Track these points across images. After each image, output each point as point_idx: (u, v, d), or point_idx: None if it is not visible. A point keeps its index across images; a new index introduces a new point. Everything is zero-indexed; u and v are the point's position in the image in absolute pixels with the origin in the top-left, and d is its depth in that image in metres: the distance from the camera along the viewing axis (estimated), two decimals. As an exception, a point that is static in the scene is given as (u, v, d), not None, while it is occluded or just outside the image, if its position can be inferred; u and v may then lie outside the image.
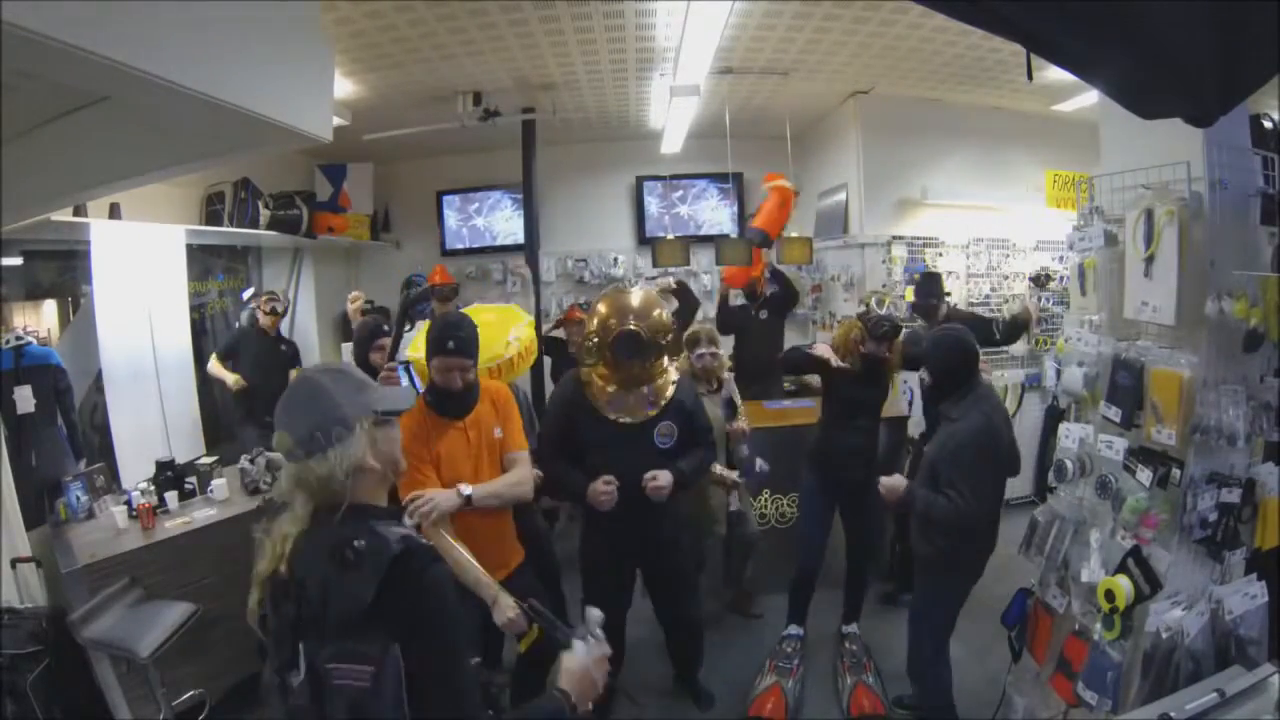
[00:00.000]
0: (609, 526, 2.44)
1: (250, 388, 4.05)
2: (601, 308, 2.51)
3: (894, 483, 2.41)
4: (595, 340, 2.44)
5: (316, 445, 1.11)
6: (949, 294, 4.01)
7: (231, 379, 4.06)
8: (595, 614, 1.18)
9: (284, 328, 5.10)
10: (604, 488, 2.35)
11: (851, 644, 3.05)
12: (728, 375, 3.18)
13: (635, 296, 2.54)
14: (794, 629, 3.11)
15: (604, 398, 2.47)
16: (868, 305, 4.10)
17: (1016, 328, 3.93)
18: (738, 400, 3.15)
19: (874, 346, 2.83)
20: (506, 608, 1.97)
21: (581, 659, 1.33)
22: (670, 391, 2.50)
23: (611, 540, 2.50)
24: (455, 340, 2.13)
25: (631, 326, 2.40)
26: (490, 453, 2.24)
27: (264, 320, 4.25)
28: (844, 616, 3.16)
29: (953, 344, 2.39)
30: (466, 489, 2.10)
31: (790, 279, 4.78)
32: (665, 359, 2.51)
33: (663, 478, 2.37)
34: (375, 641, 1.03)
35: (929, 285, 3.76)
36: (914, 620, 2.51)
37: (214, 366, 4.10)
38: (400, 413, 1.24)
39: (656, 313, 2.48)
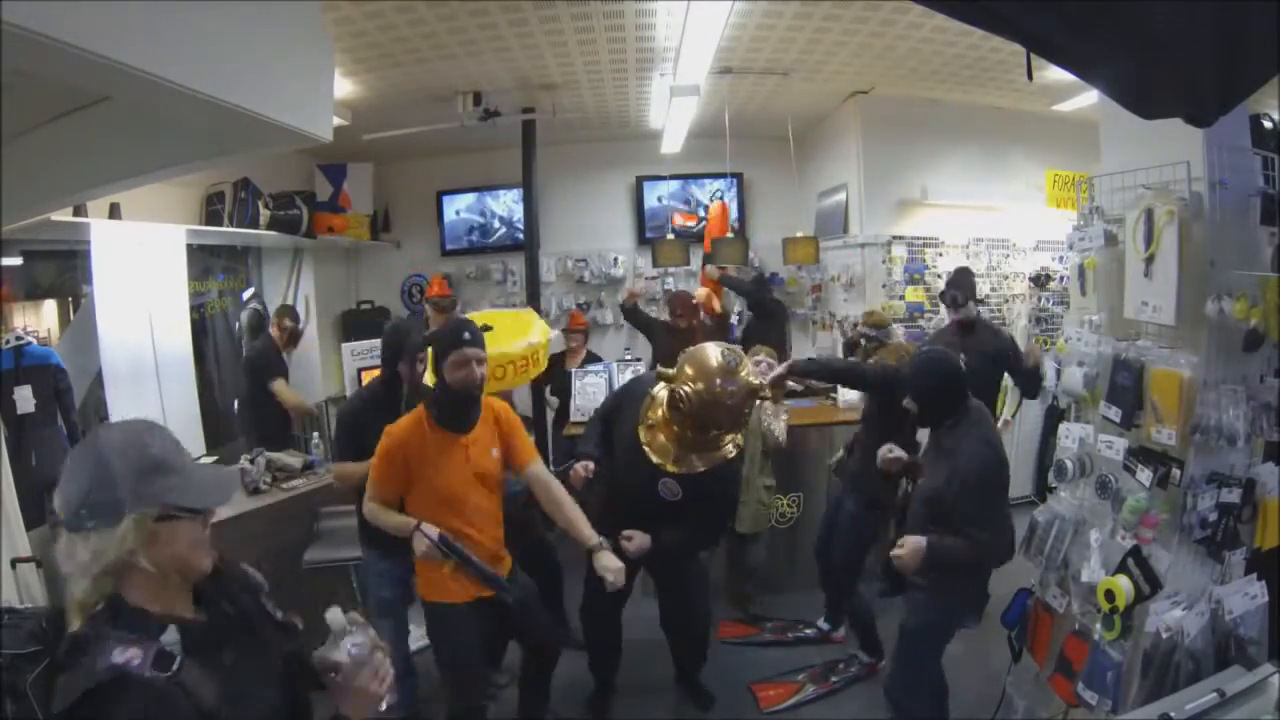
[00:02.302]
0: (619, 519, 2.44)
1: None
2: (689, 369, 2.33)
3: (915, 545, 2.12)
4: (682, 406, 2.30)
5: (78, 524, 0.94)
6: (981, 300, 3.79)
7: (294, 401, 4.07)
8: (334, 617, 1.12)
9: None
10: (582, 473, 2.39)
11: (843, 663, 3.07)
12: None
13: (733, 360, 2.34)
14: (863, 655, 3.07)
15: (652, 431, 2.43)
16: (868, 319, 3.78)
17: (1034, 378, 3.39)
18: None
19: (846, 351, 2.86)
20: (420, 540, 2.04)
21: (346, 674, 1.12)
22: (701, 468, 2.40)
23: (616, 544, 2.49)
24: (470, 331, 2.13)
25: (719, 396, 2.25)
26: (483, 479, 2.18)
27: (278, 338, 4.16)
28: (860, 647, 3.12)
29: (935, 366, 2.27)
30: (433, 532, 2.07)
31: (778, 300, 4.90)
32: (733, 434, 2.41)
33: (638, 540, 2.38)
34: None
35: (963, 280, 3.49)
36: (908, 638, 2.34)
37: (281, 387, 4.05)
38: (203, 511, 1.04)
39: (745, 372, 2.33)
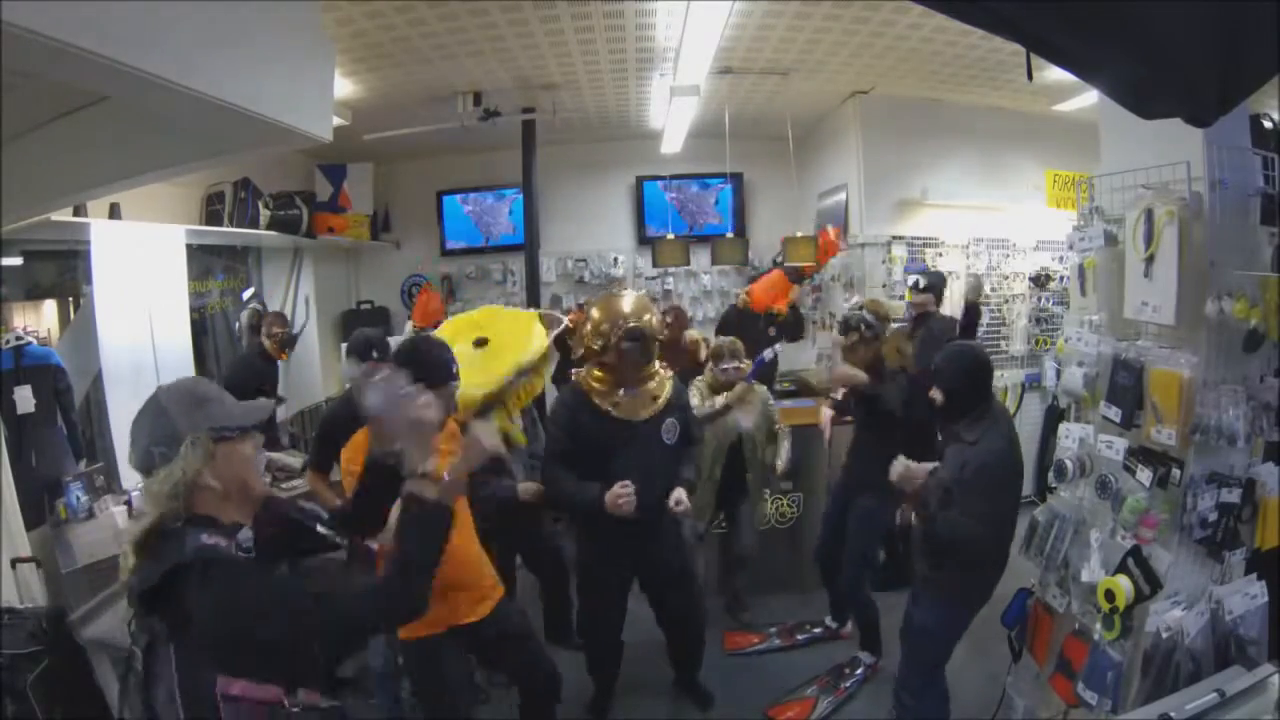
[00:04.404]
0: (614, 528, 2.39)
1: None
2: (596, 312, 2.56)
3: (913, 469, 2.18)
4: (600, 343, 2.47)
5: (149, 462, 1.12)
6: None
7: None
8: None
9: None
10: (623, 491, 2.29)
11: (847, 667, 3.04)
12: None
13: (629, 300, 2.59)
14: (865, 655, 3.06)
15: (609, 399, 2.49)
16: (858, 304, 3.95)
17: (972, 313, 3.78)
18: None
19: (844, 333, 2.89)
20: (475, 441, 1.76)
21: (387, 411, 1.26)
22: (668, 388, 2.57)
23: (613, 543, 2.49)
24: (451, 366, 1.99)
25: (637, 324, 2.46)
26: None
27: (270, 348, 3.98)
28: (861, 646, 3.12)
29: (968, 360, 2.27)
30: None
31: (802, 316, 4.87)
32: (658, 361, 2.59)
33: (684, 499, 2.46)
34: (149, 627, 1.12)
35: (930, 273, 3.76)
36: (911, 638, 2.39)
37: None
38: (245, 429, 1.21)
39: (648, 316, 2.53)
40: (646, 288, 5.69)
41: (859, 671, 3.00)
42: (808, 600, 3.52)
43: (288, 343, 4.11)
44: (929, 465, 2.23)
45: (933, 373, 2.33)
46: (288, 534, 1.28)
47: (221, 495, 1.16)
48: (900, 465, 2.21)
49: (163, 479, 1.11)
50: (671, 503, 2.43)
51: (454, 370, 1.99)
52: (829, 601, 3.32)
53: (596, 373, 2.53)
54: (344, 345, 4.13)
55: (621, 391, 2.49)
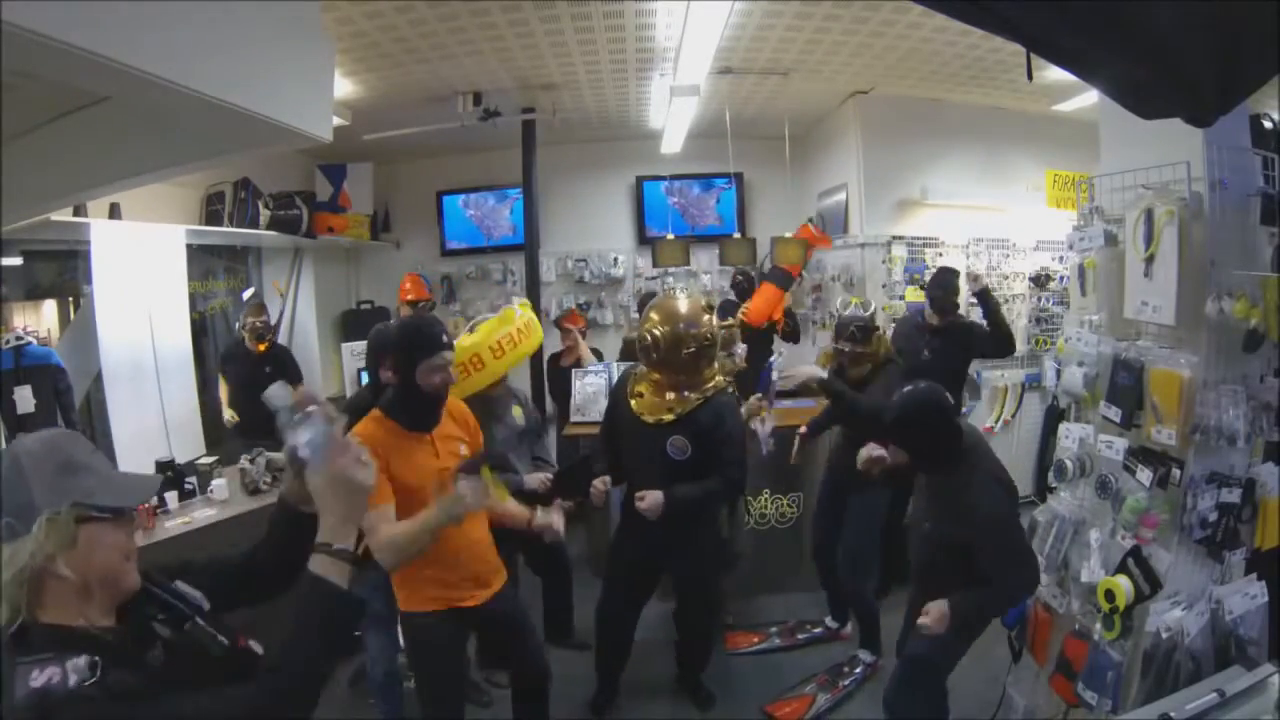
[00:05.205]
0: (643, 523, 2.45)
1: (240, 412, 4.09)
2: (654, 315, 2.53)
3: (939, 611, 1.95)
4: (654, 353, 2.47)
5: None
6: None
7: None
8: (274, 392, 0.98)
9: (285, 329, 5.12)
10: (601, 488, 2.51)
11: (848, 666, 3.04)
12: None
13: (684, 303, 2.56)
14: (865, 654, 3.06)
15: (639, 396, 2.56)
16: (844, 302, 3.84)
17: (999, 332, 3.54)
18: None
19: (846, 346, 2.86)
20: (464, 484, 1.80)
21: (312, 460, 1.00)
22: (695, 402, 2.47)
23: (643, 537, 2.54)
24: (445, 334, 2.01)
25: (682, 330, 2.45)
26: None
27: (248, 342, 4.10)
28: (861, 645, 3.10)
29: (923, 412, 2.02)
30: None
31: (798, 322, 4.87)
32: (710, 366, 2.55)
33: (650, 499, 2.36)
34: None
35: (943, 279, 3.60)
36: (915, 664, 2.21)
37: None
38: (125, 509, 0.98)
39: (706, 318, 2.51)
40: (646, 287, 5.69)
41: (858, 670, 3.00)
42: (809, 600, 3.51)
43: (264, 332, 4.11)
44: (945, 607, 1.97)
45: (886, 430, 2.11)
46: (173, 632, 1.01)
47: (77, 589, 0.92)
48: (925, 623, 1.97)
49: (5, 560, 0.87)
50: (637, 495, 2.40)
51: (445, 340, 1.99)
52: (829, 601, 3.32)
53: (653, 374, 2.56)
54: (363, 342, 4.17)
55: (652, 391, 2.54)
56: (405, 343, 1.98)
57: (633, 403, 2.56)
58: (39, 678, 0.84)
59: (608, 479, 2.54)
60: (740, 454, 2.51)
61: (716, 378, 2.57)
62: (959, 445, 2.04)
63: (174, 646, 0.99)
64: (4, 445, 2.65)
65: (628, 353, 4.26)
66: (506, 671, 2.36)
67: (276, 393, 1.00)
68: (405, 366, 1.96)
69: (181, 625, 1.02)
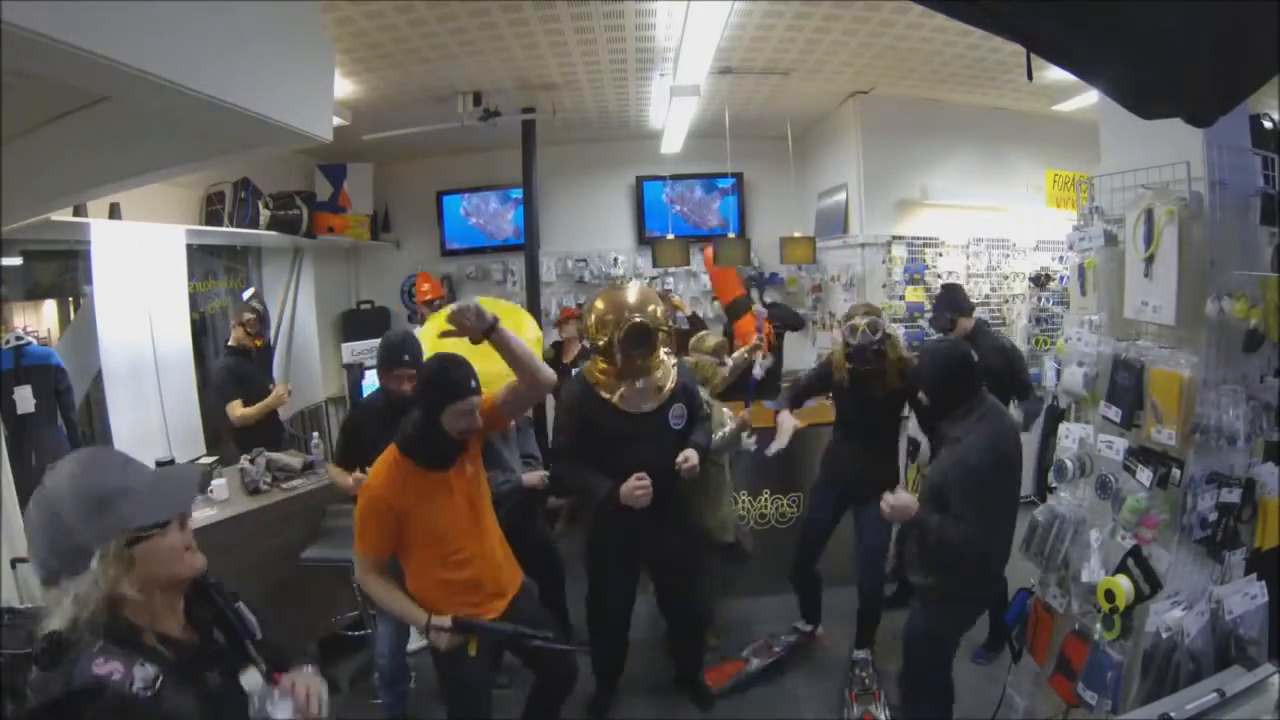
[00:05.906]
0: (625, 516, 2.44)
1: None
2: (600, 304, 2.56)
3: (902, 502, 2.19)
4: (604, 339, 2.49)
5: (52, 576, 0.96)
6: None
7: (257, 411, 3.72)
8: (251, 681, 1.03)
9: (285, 329, 5.13)
10: (638, 483, 2.38)
11: (861, 670, 2.95)
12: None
13: (632, 291, 2.60)
14: (801, 623, 3.10)
15: (615, 392, 2.51)
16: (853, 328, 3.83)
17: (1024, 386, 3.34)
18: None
19: (869, 366, 2.76)
20: (439, 636, 1.89)
21: None
22: (673, 376, 2.59)
23: (624, 531, 2.52)
24: (475, 379, 1.95)
25: (639, 319, 2.47)
26: (471, 502, 2.07)
27: (242, 339, 3.83)
28: (856, 641, 3.03)
29: (945, 357, 2.27)
30: (444, 621, 1.92)
31: (791, 312, 4.97)
32: (663, 350, 2.60)
33: (692, 456, 2.47)
34: None
35: (949, 298, 3.50)
36: (914, 641, 2.37)
37: (237, 409, 3.68)
38: (166, 523, 1.02)
39: (652, 307, 2.53)
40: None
41: (792, 638, 3.07)
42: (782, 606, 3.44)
43: (257, 329, 3.91)
44: (912, 501, 2.19)
45: (913, 373, 2.36)
46: (229, 642, 1.09)
47: (146, 595, 0.99)
48: (888, 502, 2.20)
49: (75, 601, 0.93)
50: (679, 459, 2.45)
51: (474, 385, 1.96)
52: (800, 604, 3.21)
53: (601, 364, 2.54)
54: (362, 342, 4.09)
55: (624, 385, 2.51)
56: (433, 384, 1.95)
57: (621, 405, 2.49)
58: (103, 666, 0.91)
59: (644, 476, 2.39)
60: (703, 401, 2.80)
61: (664, 359, 2.61)
62: (973, 402, 2.21)
63: (228, 653, 1.07)
64: (4, 446, 2.65)
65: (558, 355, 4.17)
66: (535, 670, 2.33)
67: (252, 680, 1.06)
68: (431, 408, 1.94)
69: (241, 642, 1.10)
